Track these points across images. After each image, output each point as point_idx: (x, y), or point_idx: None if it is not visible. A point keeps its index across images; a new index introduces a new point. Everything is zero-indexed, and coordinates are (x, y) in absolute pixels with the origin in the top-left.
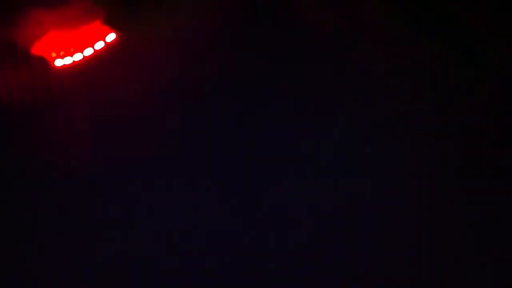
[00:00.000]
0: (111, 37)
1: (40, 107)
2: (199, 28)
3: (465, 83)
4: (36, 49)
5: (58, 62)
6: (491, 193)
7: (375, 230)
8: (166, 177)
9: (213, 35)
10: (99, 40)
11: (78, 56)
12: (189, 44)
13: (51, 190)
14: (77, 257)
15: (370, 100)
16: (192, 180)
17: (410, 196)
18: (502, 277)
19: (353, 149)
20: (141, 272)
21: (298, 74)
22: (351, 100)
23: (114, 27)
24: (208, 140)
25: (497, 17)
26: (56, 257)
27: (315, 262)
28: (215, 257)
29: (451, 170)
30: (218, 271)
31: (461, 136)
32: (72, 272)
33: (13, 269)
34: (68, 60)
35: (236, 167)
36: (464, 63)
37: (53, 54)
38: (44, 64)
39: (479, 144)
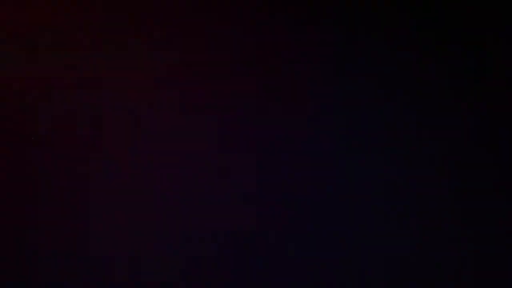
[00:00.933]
0: None
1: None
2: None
3: (465, 83)
4: None
5: None
6: (490, 192)
7: (374, 229)
8: (166, 176)
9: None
10: None
11: None
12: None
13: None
14: (76, 255)
15: (370, 100)
16: (192, 180)
17: (410, 195)
18: (501, 277)
19: (353, 149)
20: (140, 271)
21: (298, 74)
22: (351, 100)
23: None
24: (209, 139)
25: (497, 17)
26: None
27: (314, 261)
28: (214, 257)
29: (451, 170)
30: (218, 270)
31: (461, 136)
32: (72, 270)
33: (13, 269)
34: None
35: (235, 166)
36: (464, 64)
37: None
38: None
39: (478, 144)
